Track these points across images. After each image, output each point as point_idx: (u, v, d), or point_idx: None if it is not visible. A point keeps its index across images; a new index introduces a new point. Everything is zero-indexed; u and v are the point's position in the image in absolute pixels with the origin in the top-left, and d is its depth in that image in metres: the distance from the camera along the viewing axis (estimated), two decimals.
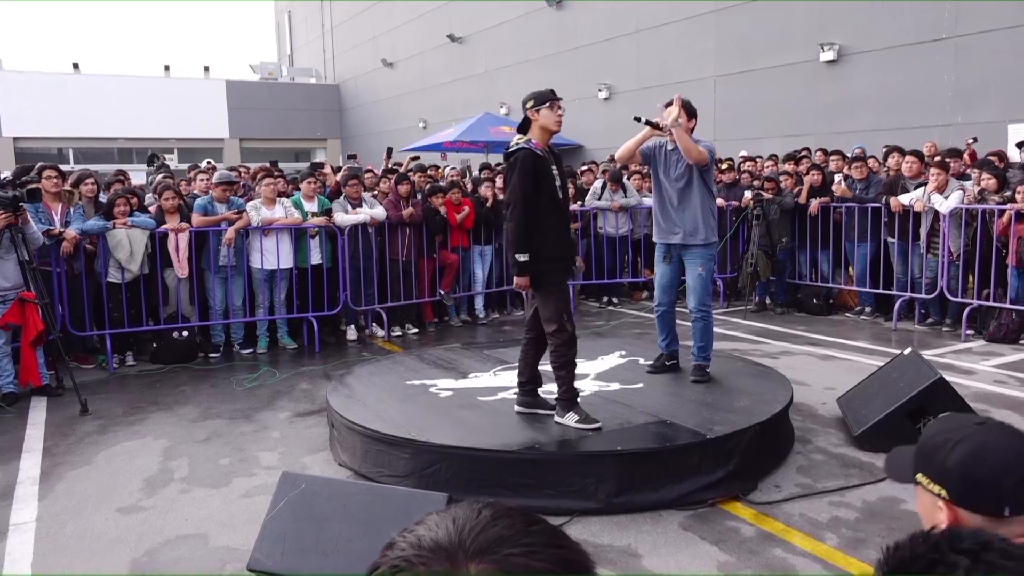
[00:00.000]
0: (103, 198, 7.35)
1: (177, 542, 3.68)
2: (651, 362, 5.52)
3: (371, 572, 0.69)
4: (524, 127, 4.33)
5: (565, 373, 4.36)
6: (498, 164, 12.43)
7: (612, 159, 10.86)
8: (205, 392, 6.28)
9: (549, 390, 4.52)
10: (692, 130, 5.02)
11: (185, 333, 7.32)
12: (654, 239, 5.40)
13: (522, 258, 4.20)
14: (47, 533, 3.81)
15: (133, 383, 6.66)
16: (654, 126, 4.91)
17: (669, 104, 4.99)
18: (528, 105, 4.29)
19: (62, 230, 6.61)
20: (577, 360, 4.44)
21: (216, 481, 4.42)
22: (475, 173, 11.59)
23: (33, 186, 6.03)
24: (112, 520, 3.93)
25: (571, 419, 4.29)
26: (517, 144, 4.28)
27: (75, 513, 4.03)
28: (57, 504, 4.16)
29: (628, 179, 9.73)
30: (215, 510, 4.03)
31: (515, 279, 4.30)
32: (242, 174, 9.42)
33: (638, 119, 4.96)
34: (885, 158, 9.13)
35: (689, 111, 5.00)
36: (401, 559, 0.67)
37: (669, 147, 5.07)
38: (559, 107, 4.30)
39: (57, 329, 6.18)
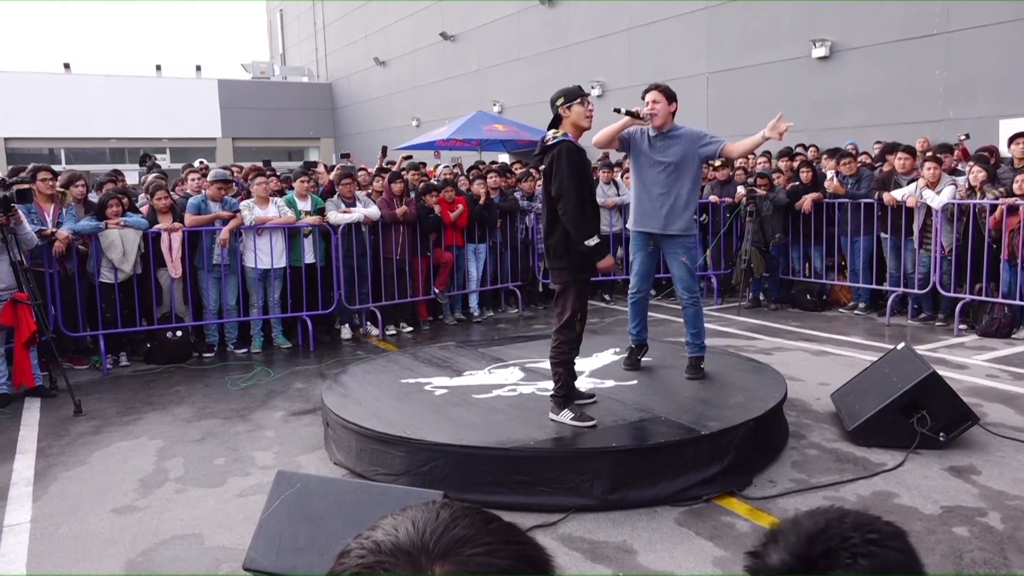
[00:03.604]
0: (93, 198, 7.32)
1: (172, 542, 3.68)
2: (625, 355, 5.50)
3: None
4: (555, 124, 4.29)
5: (563, 371, 4.37)
6: (492, 162, 12.41)
7: (605, 156, 10.86)
8: (199, 392, 6.27)
9: (546, 387, 4.53)
10: (674, 114, 4.97)
11: (179, 333, 7.31)
12: (630, 226, 5.32)
13: (592, 241, 4.17)
14: (42, 534, 3.80)
15: (127, 383, 6.64)
16: (633, 115, 4.87)
17: (651, 90, 4.94)
18: (559, 103, 4.27)
19: (54, 230, 6.59)
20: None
21: (211, 481, 4.42)
22: (463, 172, 11.56)
23: (23, 187, 5.99)
24: (107, 521, 3.93)
25: (566, 416, 4.29)
26: (555, 137, 4.25)
27: (70, 514, 4.02)
28: (51, 505, 4.15)
29: (621, 177, 9.73)
30: (210, 510, 4.03)
31: (599, 265, 4.23)
32: (234, 173, 9.40)
33: (618, 110, 4.91)
34: (881, 156, 9.14)
35: (668, 95, 4.94)
36: (361, 565, 0.65)
37: (652, 133, 5.00)
38: (589, 103, 4.31)
39: (50, 330, 6.15)
